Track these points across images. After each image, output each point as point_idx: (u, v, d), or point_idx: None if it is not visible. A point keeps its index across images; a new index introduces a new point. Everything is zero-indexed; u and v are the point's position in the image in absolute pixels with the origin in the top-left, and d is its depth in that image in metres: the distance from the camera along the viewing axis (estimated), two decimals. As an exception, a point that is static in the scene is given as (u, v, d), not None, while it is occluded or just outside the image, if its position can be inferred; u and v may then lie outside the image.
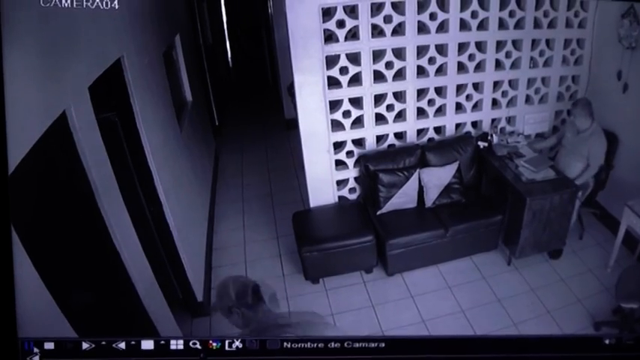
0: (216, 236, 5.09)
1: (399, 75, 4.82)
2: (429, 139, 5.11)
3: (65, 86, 2.60)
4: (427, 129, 5.09)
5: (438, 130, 5.14)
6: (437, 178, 4.76)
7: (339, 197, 5.07)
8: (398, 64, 4.76)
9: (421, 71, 4.87)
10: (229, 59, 10.80)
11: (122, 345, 2.30)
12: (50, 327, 2.23)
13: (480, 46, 4.91)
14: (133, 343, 2.31)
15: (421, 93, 4.95)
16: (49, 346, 2.19)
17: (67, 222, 2.64)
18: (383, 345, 2.29)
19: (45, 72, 2.40)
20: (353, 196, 5.11)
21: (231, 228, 5.20)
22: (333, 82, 4.71)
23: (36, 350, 2.17)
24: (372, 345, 2.28)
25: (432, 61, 4.83)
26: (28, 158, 2.23)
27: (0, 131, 2.14)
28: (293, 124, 5.15)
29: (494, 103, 5.18)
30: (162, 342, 2.35)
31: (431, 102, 5.00)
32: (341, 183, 5.06)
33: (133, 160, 3.50)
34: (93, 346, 2.26)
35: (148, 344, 2.34)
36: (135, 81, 3.51)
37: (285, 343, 2.30)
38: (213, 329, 3.90)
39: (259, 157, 6.68)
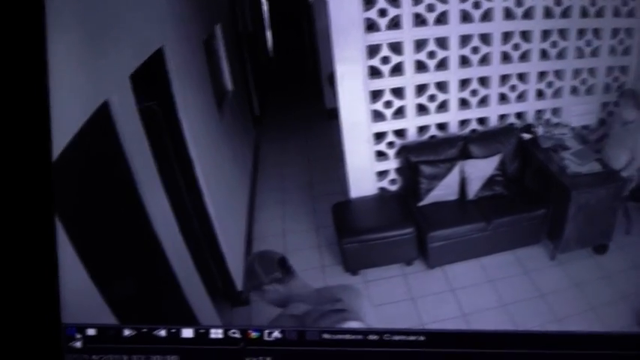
0: (256, 225, 5.11)
1: (442, 65, 4.76)
2: (472, 131, 5.04)
3: (107, 75, 2.61)
4: (470, 120, 5.02)
5: (481, 121, 5.06)
6: (479, 170, 4.70)
7: (380, 188, 5.04)
8: (441, 54, 4.69)
9: (464, 61, 4.80)
10: (270, 48, 10.82)
11: (162, 332, 2.29)
12: (92, 314, 2.26)
13: (526, 35, 4.81)
14: (173, 331, 2.31)
15: (464, 83, 4.88)
16: (91, 332, 2.21)
17: (108, 211, 2.66)
18: (422, 338, 2.24)
19: (88, 60, 2.41)
20: (393, 188, 5.07)
21: (270, 218, 5.22)
22: (374, 72, 4.66)
23: (78, 336, 2.19)
24: (412, 338, 2.24)
25: (475, 50, 4.76)
26: (71, 147, 2.24)
27: (44, 118, 2.15)
28: (334, 114, 5.14)
29: (540, 94, 5.07)
30: (202, 330, 2.34)
31: (474, 92, 4.93)
32: (382, 174, 5.03)
33: (174, 149, 3.51)
34: (134, 333, 2.27)
35: (187, 332, 2.33)
36: (176, 70, 3.52)
37: (323, 335, 2.28)
38: (252, 319, 3.92)
39: (299, 147, 6.69)
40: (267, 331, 2.33)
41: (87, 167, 2.51)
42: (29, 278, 2.11)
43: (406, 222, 4.52)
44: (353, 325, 2.35)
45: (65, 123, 2.29)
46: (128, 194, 2.84)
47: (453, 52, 4.70)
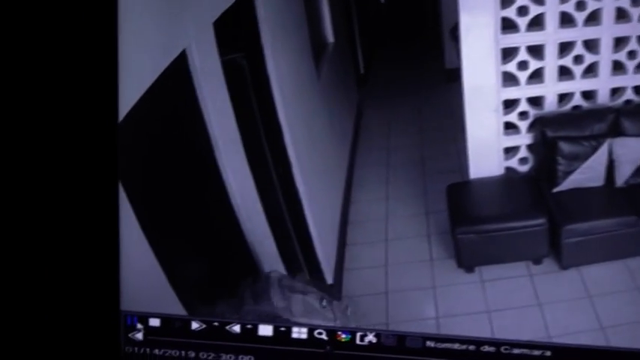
0: (353, 207, 5.12)
1: (593, 19, 4.58)
2: (627, 101, 4.85)
3: (187, 21, 2.64)
4: (625, 88, 4.83)
5: (638, 90, 4.86)
6: (633, 151, 4.56)
7: (506, 168, 4.95)
8: (592, 5, 4.51)
9: (621, 15, 4.59)
10: (381, -6, 10.74)
11: (237, 328, 2.32)
12: (156, 301, 2.30)
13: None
14: (249, 327, 2.33)
15: (620, 42, 4.69)
16: (155, 322, 2.25)
17: (180, 181, 2.70)
18: (549, 354, 2.17)
19: (164, 3, 2.44)
20: (524, 168, 4.98)
21: (371, 198, 5.22)
22: (507, 25, 4.57)
23: (139, 326, 2.24)
24: (536, 353, 2.17)
25: (636, 2, 4.55)
26: (141, 105, 2.27)
27: (111, 72, 2.18)
28: (455, 76, 5.06)
29: None
30: (283, 328, 2.35)
31: (631, 54, 4.72)
32: (510, 151, 4.94)
33: (260, 112, 3.53)
34: (203, 326, 2.30)
35: (266, 330, 2.35)
36: (268, 18, 3.54)
37: (427, 342, 2.24)
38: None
39: (411, 114, 6.65)
40: (359, 334, 2.32)
41: (157, 130, 2.55)
42: (86, 254, 2.16)
43: (537, 211, 4.44)
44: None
45: (135, 76, 2.32)
46: (204, 162, 2.88)
47: (607, 4, 4.51)
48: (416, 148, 5.87)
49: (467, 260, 4.51)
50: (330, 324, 2.63)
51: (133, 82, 2.30)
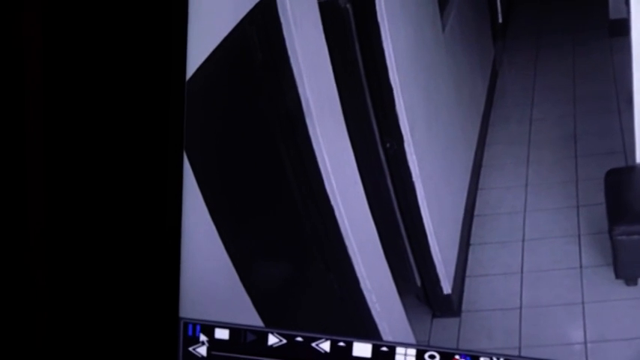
0: (482, 196, 5.03)
1: None
2: None
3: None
4: None
5: None
6: None
7: (687, 152, 4.78)
8: None
9: None
10: None
11: (325, 345, 2.33)
12: (225, 308, 2.31)
13: None
14: (341, 344, 2.34)
15: None
16: (222, 334, 2.27)
17: (260, 155, 2.70)
18: None
19: None
20: None
21: (505, 186, 5.12)
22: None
23: (203, 338, 2.26)
24: None
25: None
26: (215, 58, 2.28)
27: (178, 18, 2.21)
28: (620, 28, 4.92)
29: None
30: (385, 348, 2.36)
31: None
32: (691, 129, 4.76)
33: (366, 69, 3.50)
34: (284, 342, 2.32)
35: (363, 348, 2.36)
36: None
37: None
38: (463, 337, 3.88)
39: (562, 77, 6.47)
40: (483, 359, 2.36)
41: (234, 90, 2.55)
42: (137, 240, 2.20)
43: None
44: None
45: (210, 23, 2.33)
46: (291, 132, 2.87)
47: None
48: (566, 121, 5.72)
49: (628, 269, 4.34)
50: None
51: (205, 29, 2.32)
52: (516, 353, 3.31)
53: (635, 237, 4.27)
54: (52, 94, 2.20)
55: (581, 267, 4.57)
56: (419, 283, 4.12)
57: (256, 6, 2.47)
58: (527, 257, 4.67)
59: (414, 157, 3.89)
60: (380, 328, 3.27)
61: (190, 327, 2.20)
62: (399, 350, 2.37)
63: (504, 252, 4.67)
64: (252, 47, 2.60)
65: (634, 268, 4.35)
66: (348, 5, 3.34)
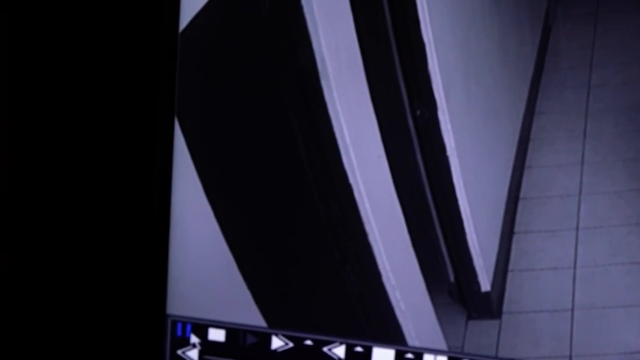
0: (529, 175, 4.99)
1: None
2: None
3: None
4: None
5: None
6: None
7: None
8: None
9: None
10: None
11: (340, 351, 2.33)
12: (221, 304, 2.29)
13: None
14: (358, 349, 2.34)
15: None
16: (217, 336, 2.26)
17: (263, 122, 2.69)
18: None
19: None
20: None
21: (557, 163, 5.07)
22: None
23: (194, 340, 2.25)
24: None
25: None
26: (213, 6, 2.27)
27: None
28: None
29: None
30: (411, 355, 2.36)
31: None
32: None
33: (394, 23, 3.47)
34: (290, 345, 2.31)
35: (383, 355, 2.36)
36: None
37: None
38: (502, 342, 3.86)
39: (626, 34, 6.42)
40: (527, 369, 2.39)
41: (235, 45, 2.53)
42: (117, 223, 2.20)
43: None
44: None
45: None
46: (303, 96, 2.85)
47: None
48: (631, 88, 5.68)
49: None
50: None
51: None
52: (567, 362, 3.30)
53: None
54: (23, 43, 2.20)
55: (647, 262, 4.60)
56: (452, 278, 4.13)
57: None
58: (582, 249, 4.63)
59: (449, 127, 3.88)
60: (405, 330, 3.26)
61: (179, 326, 2.19)
62: (427, 357, 2.38)
63: (554, 242, 4.62)
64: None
65: None
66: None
